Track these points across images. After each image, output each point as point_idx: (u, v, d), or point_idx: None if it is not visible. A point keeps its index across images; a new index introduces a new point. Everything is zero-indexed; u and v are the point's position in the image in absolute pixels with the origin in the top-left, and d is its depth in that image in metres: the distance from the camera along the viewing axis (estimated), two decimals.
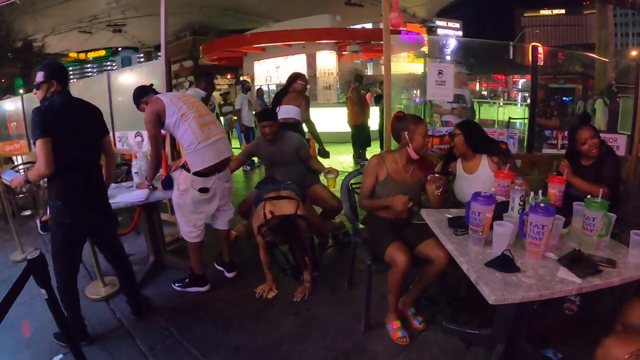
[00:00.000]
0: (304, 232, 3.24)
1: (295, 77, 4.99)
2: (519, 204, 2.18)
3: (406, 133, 2.78)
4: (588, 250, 2.03)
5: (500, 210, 2.18)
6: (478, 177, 2.96)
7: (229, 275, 3.66)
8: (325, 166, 3.93)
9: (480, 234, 2.05)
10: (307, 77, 5.11)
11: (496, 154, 2.93)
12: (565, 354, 2.43)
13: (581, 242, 2.11)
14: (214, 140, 3.15)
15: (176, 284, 3.47)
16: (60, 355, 2.59)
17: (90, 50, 43.29)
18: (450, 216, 2.45)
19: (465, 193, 2.92)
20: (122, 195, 3.39)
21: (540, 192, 2.15)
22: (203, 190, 3.18)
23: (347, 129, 9.43)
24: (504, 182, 2.49)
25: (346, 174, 3.34)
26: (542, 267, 1.89)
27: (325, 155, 4.89)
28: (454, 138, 3.02)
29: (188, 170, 3.14)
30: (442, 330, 2.76)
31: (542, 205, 1.88)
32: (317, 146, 5.08)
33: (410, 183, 2.86)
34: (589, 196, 2.10)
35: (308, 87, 5.05)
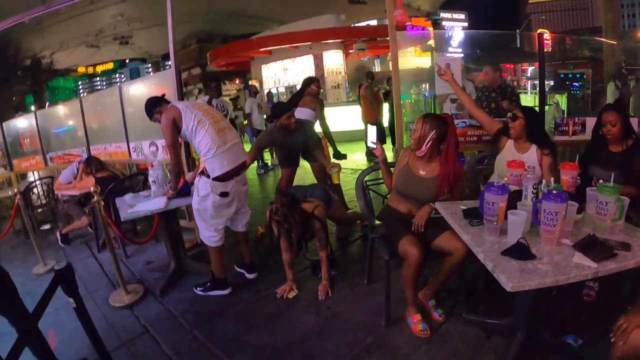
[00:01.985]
0: (318, 231, 3.29)
1: (309, 81, 5.34)
2: (532, 192, 2.20)
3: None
4: (603, 234, 2.05)
5: (514, 199, 2.19)
6: (525, 159, 2.92)
7: (250, 276, 3.72)
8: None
9: (495, 223, 2.07)
10: (319, 80, 5.36)
11: (546, 146, 2.96)
12: (585, 339, 2.44)
13: (595, 227, 2.12)
14: (231, 145, 3.23)
15: (198, 288, 3.53)
16: None
17: (99, 64, 43.72)
18: (465, 207, 2.47)
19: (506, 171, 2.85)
20: (140, 205, 3.45)
21: (552, 179, 2.16)
22: (223, 194, 3.24)
23: (357, 127, 9.42)
24: (516, 172, 2.51)
25: (359, 171, 3.37)
26: (558, 254, 1.91)
27: (342, 157, 5.10)
28: (515, 120, 3.02)
29: (207, 176, 3.19)
30: (462, 321, 2.79)
31: (554, 192, 1.90)
32: (331, 150, 5.32)
33: (427, 178, 2.85)
34: (600, 181, 2.11)
35: (321, 90, 5.30)
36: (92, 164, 4.97)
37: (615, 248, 1.90)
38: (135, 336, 3.04)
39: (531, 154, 2.99)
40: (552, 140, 3.10)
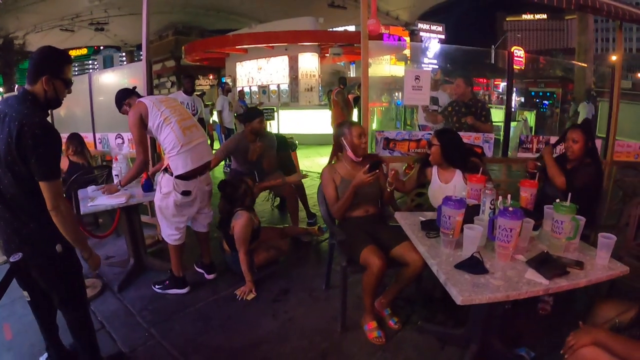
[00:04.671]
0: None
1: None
2: (490, 208, 2.25)
3: (343, 138, 2.96)
4: (557, 252, 2.10)
5: (472, 213, 2.25)
6: (452, 187, 3.00)
7: (209, 277, 3.68)
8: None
9: (451, 236, 2.11)
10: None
11: (469, 170, 2.93)
12: (538, 352, 2.50)
13: (551, 244, 2.18)
14: (196, 144, 3.19)
15: (156, 286, 3.48)
16: (46, 355, 2.56)
17: (72, 49, 42.75)
18: (424, 219, 2.51)
19: (439, 201, 2.96)
20: (102, 198, 3.38)
21: (509, 196, 2.21)
22: (185, 193, 3.20)
23: (327, 130, 9.46)
24: (476, 186, 2.55)
25: None
26: (511, 269, 1.96)
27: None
28: (431, 147, 3.05)
29: (171, 174, 3.15)
30: (417, 330, 2.82)
31: (510, 209, 1.95)
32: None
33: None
34: (557, 200, 2.17)
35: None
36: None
37: (568, 266, 1.96)
38: None
39: (457, 181, 3.01)
40: (475, 161, 3.06)
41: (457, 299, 1.73)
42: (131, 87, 3.47)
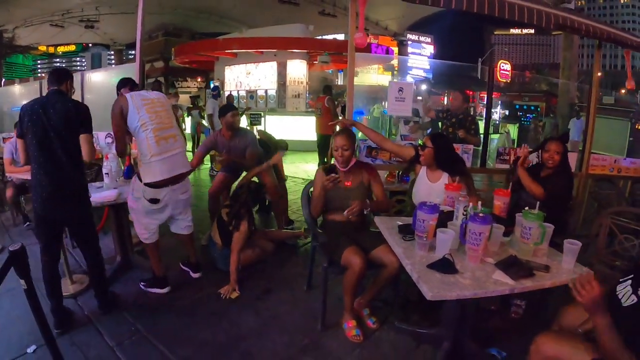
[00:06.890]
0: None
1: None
2: (463, 214, 2.38)
3: (332, 147, 3.12)
4: (526, 256, 2.25)
5: (445, 218, 2.39)
6: (437, 188, 3.10)
7: (195, 275, 3.75)
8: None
9: (425, 239, 2.25)
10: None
11: (457, 174, 3.03)
12: (510, 352, 2.64)
13: (520, 249, 2.33)
14: (170, 156, 3.15)
15: (142, 283, 3.53)
16: (34, 347, 2.65)
17: (61, 45, 42.39)
18: (401, 223, 2.65)
19: (423, 198, 3.11)
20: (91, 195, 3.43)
21: (479, 202, 2.34)
22: (153, 201, 3.22)
23: (314, 137, 9.52)
24: (452, 194, 2.69)
25: (309, 181, 3.51)
26: (480, 270, 2.10)
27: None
28: (424, 149, 3.14)
29: (141, 179, 3.18)
30: (393, 329, 2.95)
31: (480, 215, 2.09)
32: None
33: (353, 188, 3.13)
34: (526, 208, 2.31)
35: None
36: None
37: (535, 269, 2.10)
38: (78, 326, 3.01)
39: (442, 183, 3.11)
40: (463, 168, 3.24)
41: (427, 295, 1.86)
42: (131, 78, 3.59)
